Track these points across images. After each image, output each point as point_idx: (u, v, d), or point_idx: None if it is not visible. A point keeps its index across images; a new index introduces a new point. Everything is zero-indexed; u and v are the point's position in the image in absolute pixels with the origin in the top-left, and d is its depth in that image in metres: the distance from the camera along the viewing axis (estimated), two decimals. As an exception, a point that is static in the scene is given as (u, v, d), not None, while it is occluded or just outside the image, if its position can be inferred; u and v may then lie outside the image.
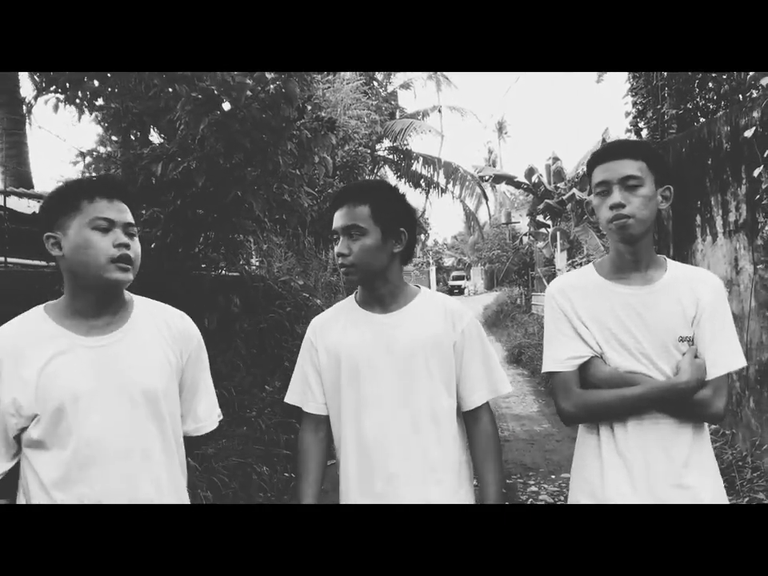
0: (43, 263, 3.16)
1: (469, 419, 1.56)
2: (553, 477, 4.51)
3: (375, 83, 14.39)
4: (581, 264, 10.96)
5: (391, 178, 16.12)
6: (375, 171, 14.94)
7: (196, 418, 1.47)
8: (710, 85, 5.17)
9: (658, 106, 4.96)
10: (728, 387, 1.43)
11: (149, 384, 1.33)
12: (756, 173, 3.44)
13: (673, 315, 1.43)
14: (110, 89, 4.64)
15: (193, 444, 1.50)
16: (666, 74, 4.98)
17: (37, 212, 3.61)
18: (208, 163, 4.00)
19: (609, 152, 1.45)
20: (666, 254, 5.77)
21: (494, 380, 1.55)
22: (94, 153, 5.41)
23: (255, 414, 3.89)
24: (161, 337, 1.39)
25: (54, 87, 5.11)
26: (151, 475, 1.32)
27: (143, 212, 4.13)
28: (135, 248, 1.32)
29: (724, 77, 4.96)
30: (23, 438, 1.27)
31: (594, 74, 10.26)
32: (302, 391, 1.61)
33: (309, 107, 4.70)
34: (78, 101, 5.23)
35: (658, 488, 1.40)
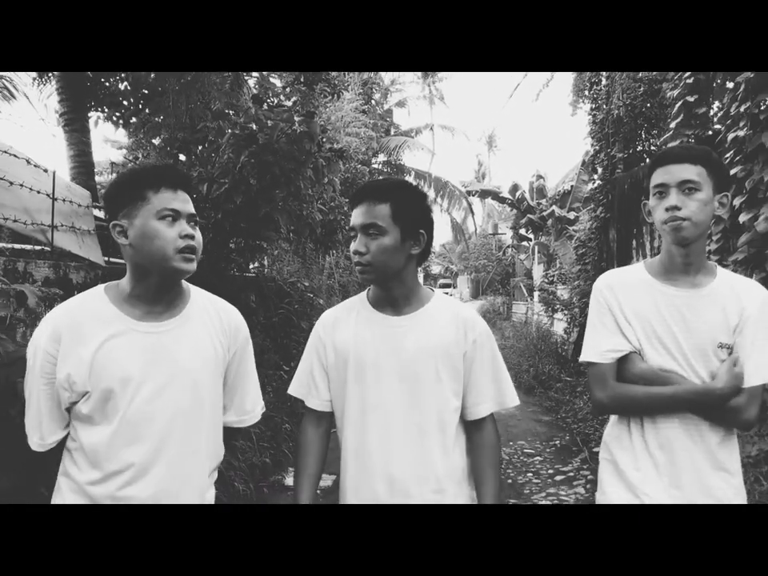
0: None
1: (472, 428, 1.52)
2: (510, 443, 5.67)
3: (373, 101, 15.47)
4: (554, 276, 12.01)
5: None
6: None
7: (241, 411, 1.50)
8: (654, 131, 6.31)
9: (608, 150, 6.08)
10: (762, 397, 1.44)
11: (195, 373, 1.35)
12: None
13: (715, 322, 1.43)
14: (158, 118, 5.65)
15: (232, 434, 1.56)
16: (615, 122, 6.11)
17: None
18: (244, 185, 5.01)
19: (670, 156, 1.45)
20: (611, 268, 6.84)
21: (502, 392, 1.52)
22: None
23: (276, 386, 4.91)
24: (212, 329, 1.42)
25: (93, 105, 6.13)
26: (191, 455, 1.36)
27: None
28: (199, 238, 1.32)
29: (667, 126, 6.10)
30: (73, 411, 1.31)
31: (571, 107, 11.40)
32: (306, 384, 1.58)
33: (324, 140, 5.75)
34: (114, 119, 6.31)
35: (685, 488, 1.43)
